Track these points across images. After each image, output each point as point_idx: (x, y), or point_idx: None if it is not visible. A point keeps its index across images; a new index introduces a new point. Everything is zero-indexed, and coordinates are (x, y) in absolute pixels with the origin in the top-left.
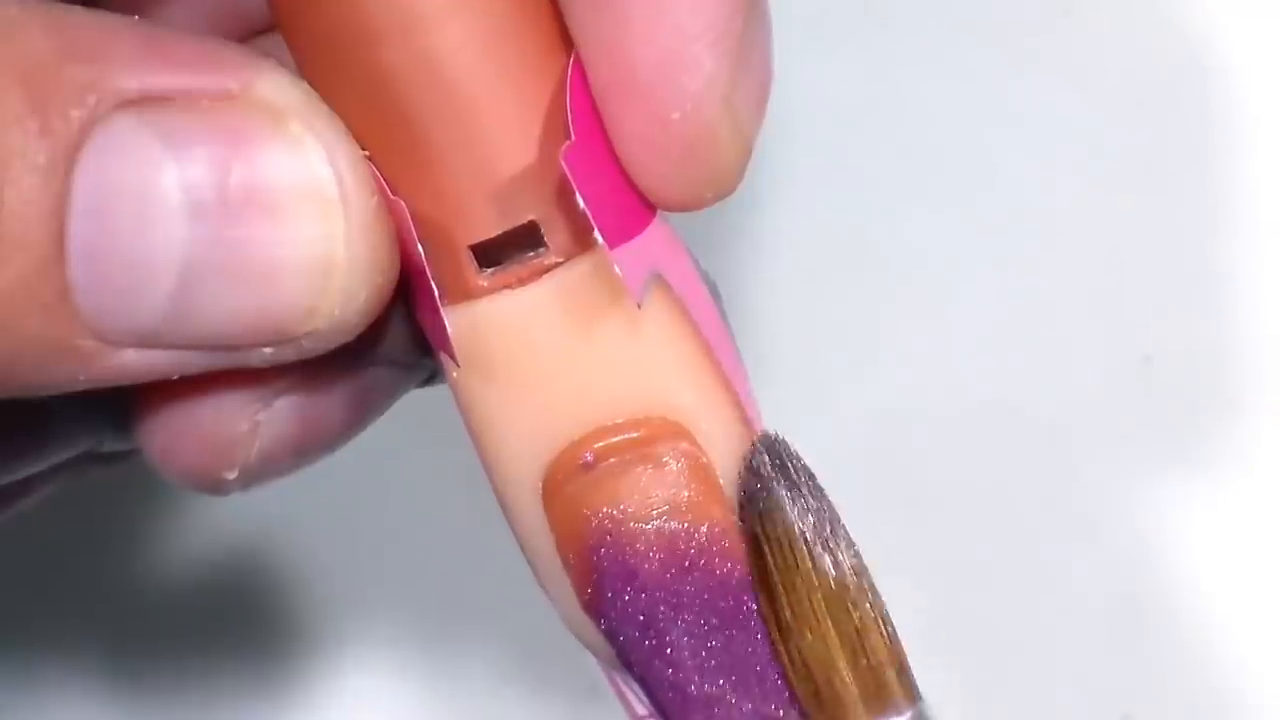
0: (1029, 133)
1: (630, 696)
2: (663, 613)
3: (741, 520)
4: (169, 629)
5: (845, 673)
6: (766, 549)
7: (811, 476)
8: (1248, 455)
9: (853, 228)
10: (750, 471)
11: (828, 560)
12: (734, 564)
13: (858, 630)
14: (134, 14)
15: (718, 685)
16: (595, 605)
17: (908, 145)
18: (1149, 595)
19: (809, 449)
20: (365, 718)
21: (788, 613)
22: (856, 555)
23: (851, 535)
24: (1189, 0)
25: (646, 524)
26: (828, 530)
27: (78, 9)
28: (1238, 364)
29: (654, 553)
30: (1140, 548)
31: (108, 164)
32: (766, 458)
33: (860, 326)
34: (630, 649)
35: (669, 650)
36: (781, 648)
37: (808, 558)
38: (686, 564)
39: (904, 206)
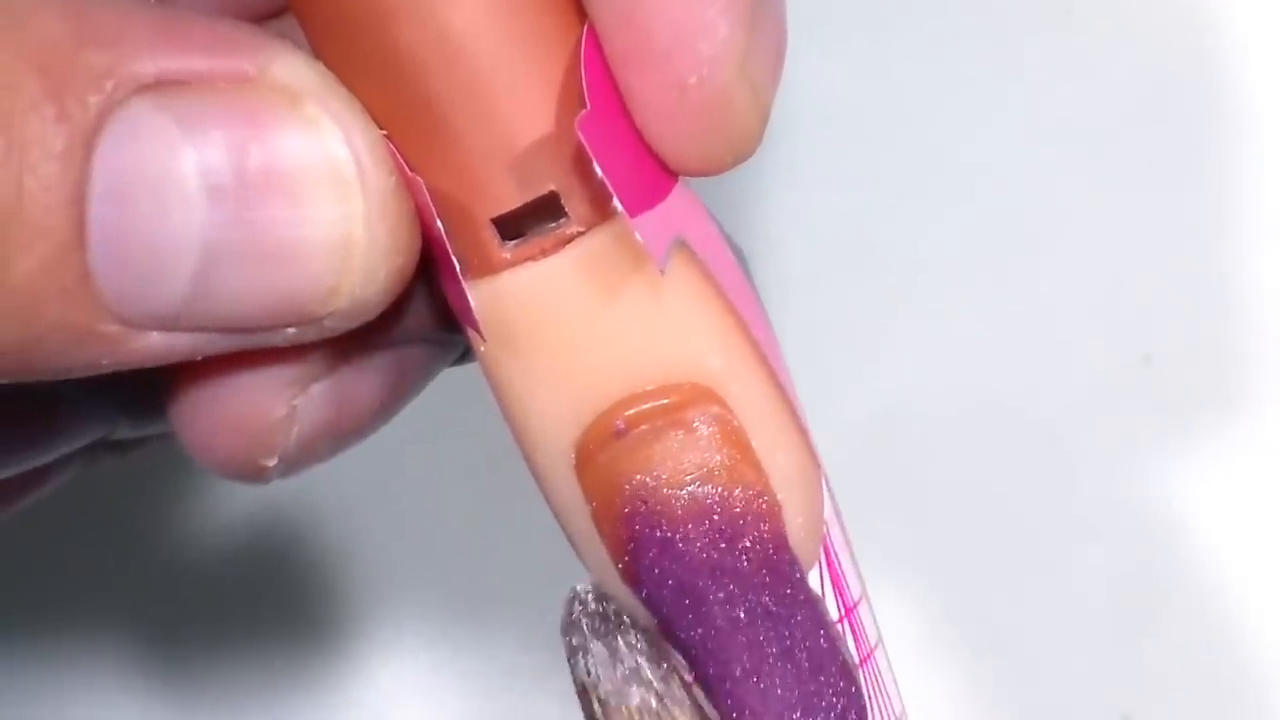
0: (1029, 133)
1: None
2: (700, 579)
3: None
4: (187, 618)
5: None
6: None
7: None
8: (1248, 455)
9: (851, 228)
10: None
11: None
12: (770, 527)
13: None
14: None
15: (759, 650)
16: (632, 574)
17: (907, 145)
18: (1149, 595)
19: None
20: (387, 704)
21: None
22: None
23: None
24: (1189, 0)
25: (681, 490)
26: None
27: None
28: (1238, 363)
29: (689, 519)
30: (1140, 547)
31: (126, 149)
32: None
33: (859, 326)
34: (669, 617)
35: (708, 616)
36: None
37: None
38: (723, 529)
39: (903, 206)
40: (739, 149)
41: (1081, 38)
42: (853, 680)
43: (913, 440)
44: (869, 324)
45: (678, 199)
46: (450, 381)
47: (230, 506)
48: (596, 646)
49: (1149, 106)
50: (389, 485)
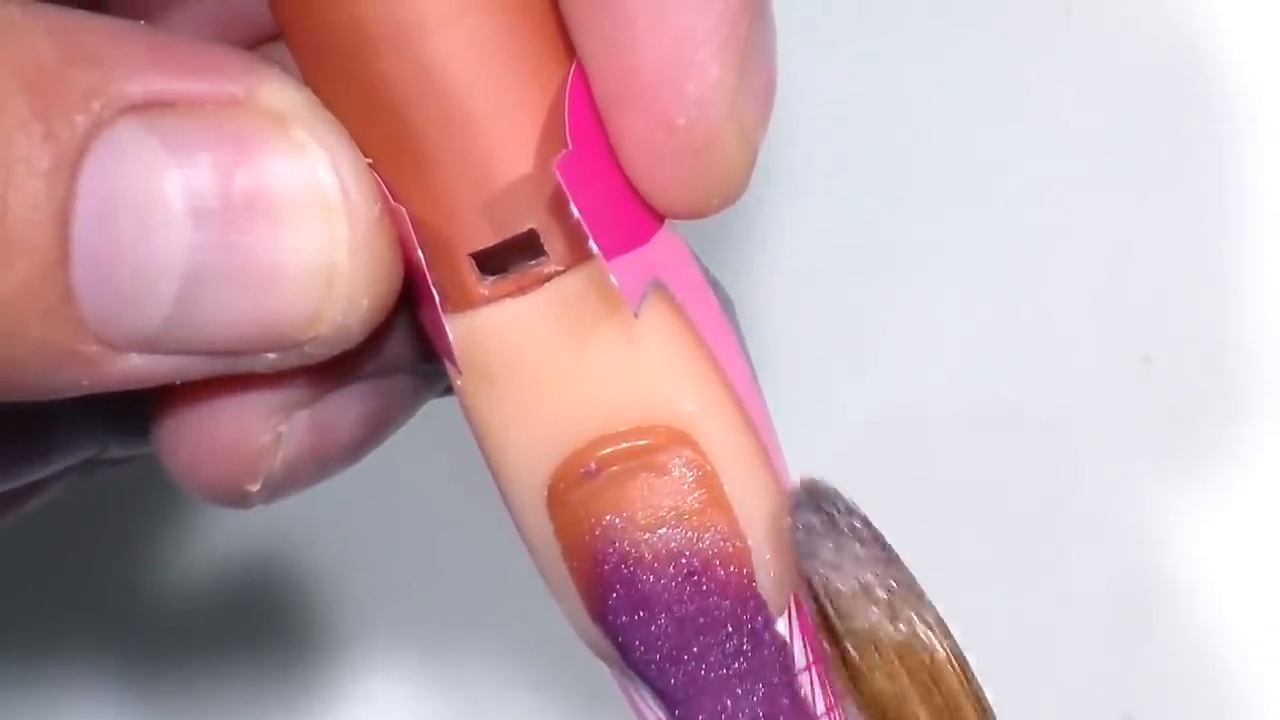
0: (1029, 132)
1: (641, 704)
2: (667, 622)
3: (800, 572)
4: (176, 635)
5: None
6: (829, 607)
7: (862, 520)
8: (1248, 455)
9: (852, 228)
10: (798, 525)
11: (888, 618)
12: (738, 572)
13: (930, 674)
14: (139, 19)
15: (728, 692)
16: (602, 614)
17: (907, 145)
18: (1149, 595)
19: (810, 449)
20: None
21: (855, 656)
22: (918, 600)
23: (910, 575)
24: (1189, 0)
25: (651, 532)
26: (887, 583)
27: (82, 13)
28: (1238, 364)
29: (658, 561)
30: (1140, 547)
31: (112, 169)
32: (812, 511)
33: (860, 326)
34: (638, 657)
35: (674, 658)
36: (851, 687)
37: (872, 616)
38: (691, 572)
39: (904, 206)
40: (726, 192)
41: (1081, 38)
42: None
43: (912, 440)
44: (868, 324)
45: (660, 242)
46: (435, 404)
47: (217, 527)
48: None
49: (1149, 106)
50: (375, 507)
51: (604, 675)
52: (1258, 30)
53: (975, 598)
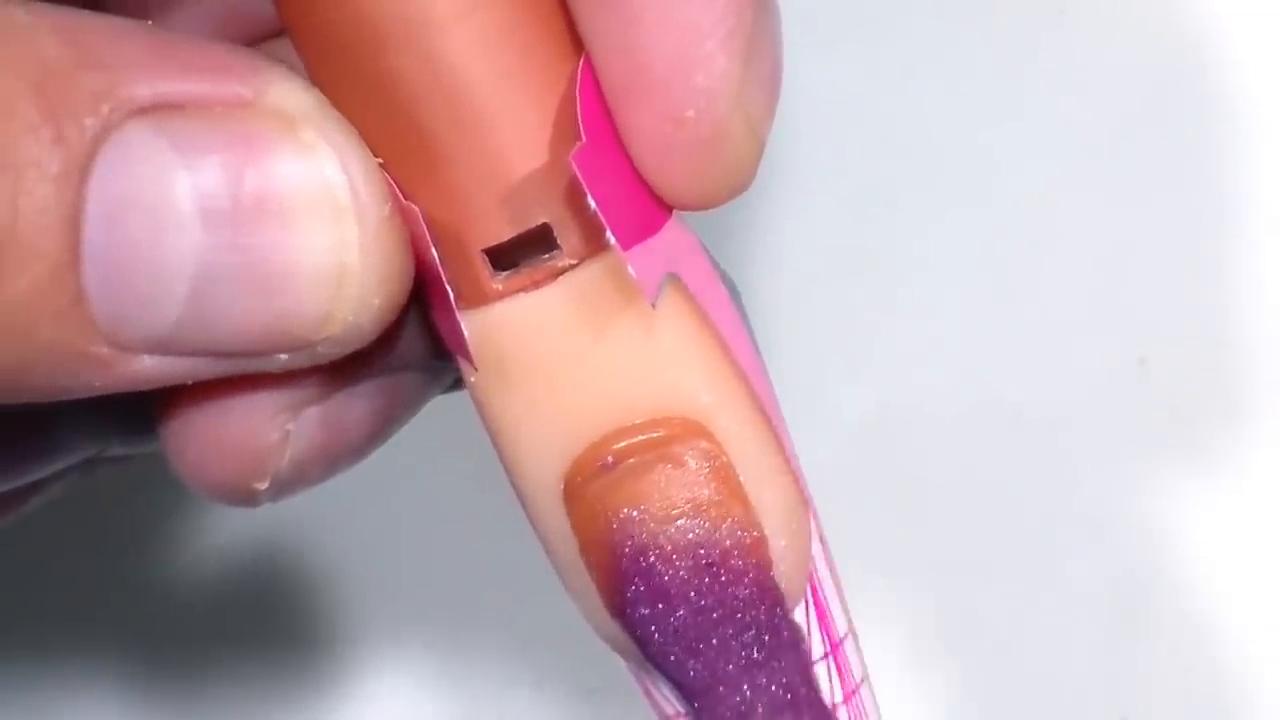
0: (1028, 132)
1: (658, 697)
2: (686, 613)
3: None
4: (179, 634)
5: None
6: None
7: None
8: (1246, 455)
9: (851, 227)
10: None
11: None
12: (756, 561)
13: None
14: (145, 19)
15: (748, 681)
16: (619, 607)
17: (906, 145)
18: (1147, 595)
19: (809, 448)
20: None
21: None
22: None
23: None
24: (1189, 0)
25: (668, 524)
26: None
27: (87, 13)
28: (1235, 364)
29: (676, 553)
30: (1139, 547)
31: (122, 172)
32: None
33: (858, 326)
34: (657, 650)
35: (693, 650)
36: None
37: None
38: (709, 563)
39: (902, 206)
40: (734, 182)
41: (1076, 38)
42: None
43: (908, 441)
44: (864, 325)
45: (671, 233)
46: (441, 403)
47: (220, 525)
48: None
49: (1144, 106)
50: (379, 504)
51: (606, 673)
52: (1258, 30)
53: (975, 597)
